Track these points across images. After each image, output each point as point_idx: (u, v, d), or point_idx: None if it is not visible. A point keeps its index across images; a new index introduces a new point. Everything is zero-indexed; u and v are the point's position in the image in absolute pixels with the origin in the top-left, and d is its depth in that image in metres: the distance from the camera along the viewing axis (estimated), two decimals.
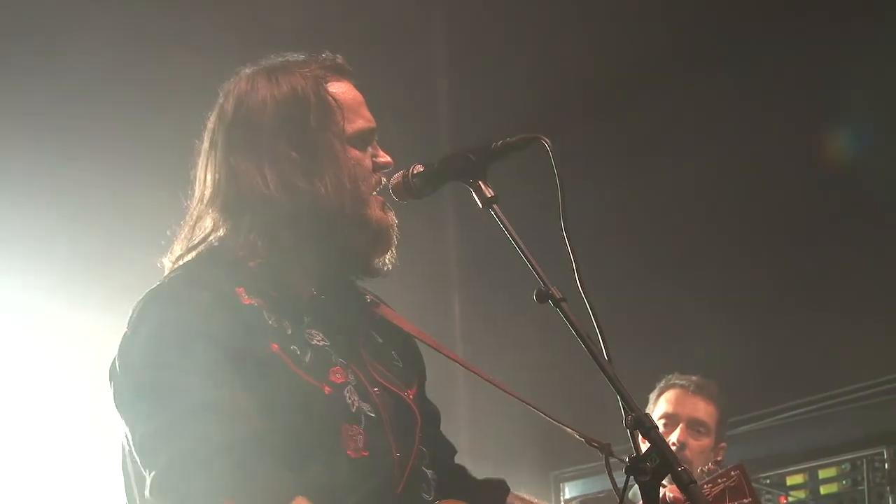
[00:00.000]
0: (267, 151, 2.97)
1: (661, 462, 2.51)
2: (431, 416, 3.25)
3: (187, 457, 2.68)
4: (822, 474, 6.29)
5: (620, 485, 2.69)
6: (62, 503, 6.17)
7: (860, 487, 6.11)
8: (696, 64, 6.85)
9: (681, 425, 5.10)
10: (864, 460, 6.13)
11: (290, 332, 2.93)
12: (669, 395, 5.27)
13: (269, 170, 2.96)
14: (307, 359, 2.90)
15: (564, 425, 3.02)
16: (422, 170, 3.02)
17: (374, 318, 3.18)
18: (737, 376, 6.41)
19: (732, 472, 3.33)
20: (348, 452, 2.86)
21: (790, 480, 6.36)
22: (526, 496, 3.32)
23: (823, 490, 6.26)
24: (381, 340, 3.16)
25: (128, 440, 2.85)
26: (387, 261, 3.09)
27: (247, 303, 2.90)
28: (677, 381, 5.31)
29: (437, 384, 3.30)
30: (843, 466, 6.23)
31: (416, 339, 3.26)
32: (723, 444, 5.22)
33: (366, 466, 2.88)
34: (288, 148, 2.97)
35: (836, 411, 6.46)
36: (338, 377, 2.92)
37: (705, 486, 3.28)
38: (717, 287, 6.75)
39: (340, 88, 3.07)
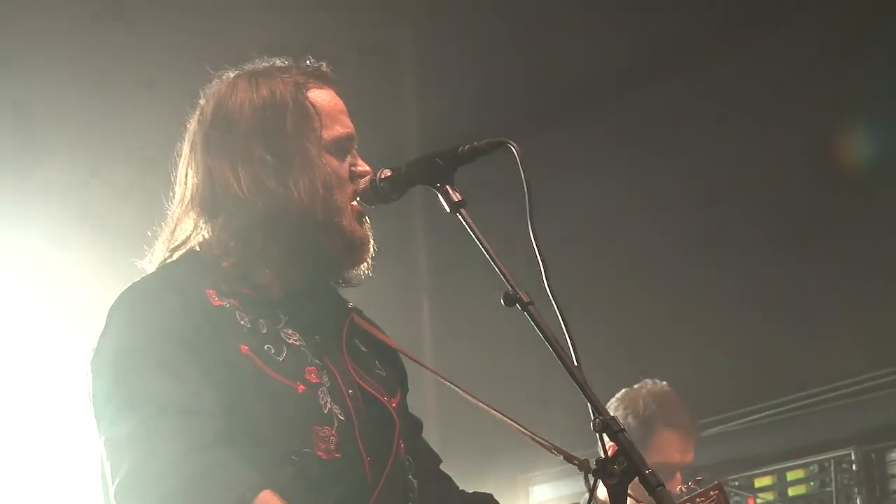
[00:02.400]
0: (242, 153, 2.99)
1: (628, 465, 2.52)
2: (414, 426, 3.26)
3: (148, 464, 2.69)
4: (790, 476, 6.30)
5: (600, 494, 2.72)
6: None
7: (828, 489, 6.13)
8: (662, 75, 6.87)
9: None
10: (832, 462, 6.15)
11: (265, 330, 2.94)
12: None
13: (242, 172, 2.98)
14: (282, 357, 2.91)
15: (542, 440, 3.01)
16: (389, 174, 3.02)
17: (356, 325, 3.18)
18: (705, 379, 6.44)
19: (711, 493, 3.30)
20: (319, 454, 2.86)
21: (758, 482, 6.37)
22: None
23: (792, 492, 6.28)
24: (364, 349, 3.17)
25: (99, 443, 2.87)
26: (360, 271, 3.10)
27: (217, 304, 2.92)
28: None
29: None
30: (811, 468, 6.24)
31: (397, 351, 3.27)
32: None
33: (338, 469, 2.88)
34: (263, 151, 2.98)
35: (804, 413, 6.49)
36: (312, 377, 2.93)
37: None
38: (685, 290, 6.78)
39: (321, 95, 3.08)
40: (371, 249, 3.08)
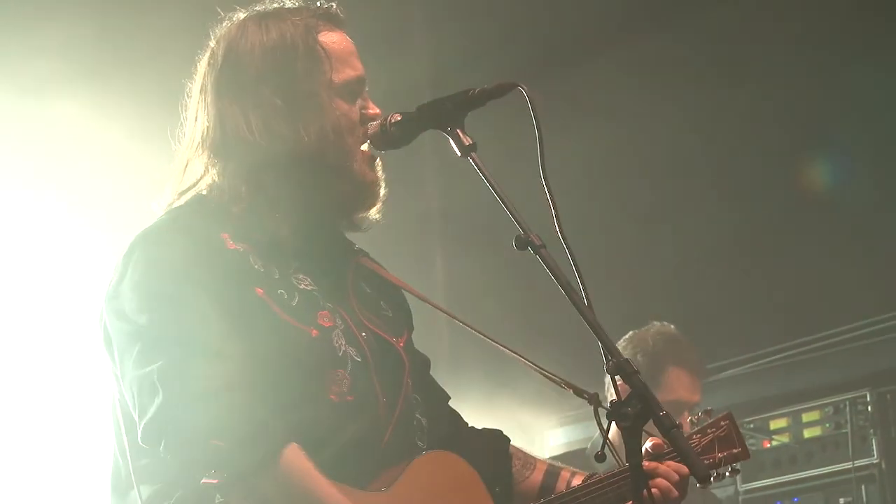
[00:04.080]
0: (252, 97, 2.99)
1: (642, 407, 2.51)
2: (421, 364, 3.27)
3: (179, 402, 2.72)
4: (805, 418, 6.30)
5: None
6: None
7: (843, 430, 6.13)
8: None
9: None
10: (848, 403, 6.15)
11: (277, 276, 2.95)
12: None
13: (253, 115, 2.98)
14: (294, 302, 2.93)
15: (551, 375, 3.03)
16: (399, 119, 3.01)
17: (362, 268, 3.19)
18: (720, 321, 6.44)
19: (722, 423, 3.32)
20: (332, 397, 2.88)
21: (773, 424, 6.38)
22: (524, 449, 3.33)
23: (807, 433, 6.28)
24: (369, 291, 3.18)
25: (119, 386, 2.88)
26: (371, 215, 3.10)
27: (232, 248, 2.93)
28: None
29: (418, 332, 3.31)
30: (826, 410, 6.24)
31: (403, 291, 3.27)
32: None
33: (350, 411, 2.90)
34: (273, 95, 2.98)
35: (819, 355, 6.49)
36: (325, 321, 2.95)
37: (694, 437, 3.27)
38: (698, 232, 6.75)
39: (331, 38, 3.06)
40: (381, 193, 3.07)
